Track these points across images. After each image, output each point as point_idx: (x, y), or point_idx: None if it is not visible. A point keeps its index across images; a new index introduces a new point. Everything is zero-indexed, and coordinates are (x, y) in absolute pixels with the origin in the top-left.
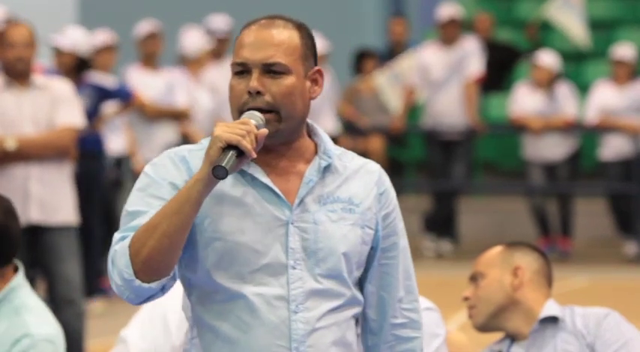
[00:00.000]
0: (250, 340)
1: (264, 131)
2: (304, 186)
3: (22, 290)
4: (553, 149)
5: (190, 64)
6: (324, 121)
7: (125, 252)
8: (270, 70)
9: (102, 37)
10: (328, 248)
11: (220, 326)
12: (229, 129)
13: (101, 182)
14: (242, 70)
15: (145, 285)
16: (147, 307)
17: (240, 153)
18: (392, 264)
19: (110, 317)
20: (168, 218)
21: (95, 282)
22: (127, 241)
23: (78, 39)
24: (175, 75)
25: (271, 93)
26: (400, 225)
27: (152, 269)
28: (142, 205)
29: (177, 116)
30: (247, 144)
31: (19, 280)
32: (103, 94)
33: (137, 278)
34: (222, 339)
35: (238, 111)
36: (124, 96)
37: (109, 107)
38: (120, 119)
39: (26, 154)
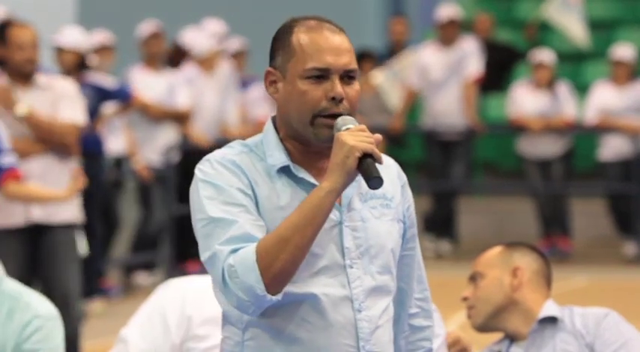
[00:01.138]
0: (317, 340)
1: (380, 137)
2: (350, 187)
3: (4, 278)
4: (548, 147)
5: (202, 62)
6: None
7: (253, 267)
8: (348, 75)
9: (98, 37)
10: (379, 244)
11: (284, 328)
12: (360, 139)
13: (101, 182)
14: (320, 75)
15: (274, 298)
16: (146, 307)
17: (374, 160)
18: (411, 256)
19: (110, 317)
20: (301, 230)
21: (95, 282)
22: (250, 255)
23: (78, 37)
24: (177, 76)
25: (348, 99)
26: (415, 216)
27: (282, 281)
28: (224, 213)
29: (179, 117)
30: (379, 152)
31: (1, 270)
32: (102, 95)
33: (267, 292)
34: (286, 341)
35: (314, 116)
36: (123, 96)
37: (109, 107)
38: (119, 119)
39: (33, 126)
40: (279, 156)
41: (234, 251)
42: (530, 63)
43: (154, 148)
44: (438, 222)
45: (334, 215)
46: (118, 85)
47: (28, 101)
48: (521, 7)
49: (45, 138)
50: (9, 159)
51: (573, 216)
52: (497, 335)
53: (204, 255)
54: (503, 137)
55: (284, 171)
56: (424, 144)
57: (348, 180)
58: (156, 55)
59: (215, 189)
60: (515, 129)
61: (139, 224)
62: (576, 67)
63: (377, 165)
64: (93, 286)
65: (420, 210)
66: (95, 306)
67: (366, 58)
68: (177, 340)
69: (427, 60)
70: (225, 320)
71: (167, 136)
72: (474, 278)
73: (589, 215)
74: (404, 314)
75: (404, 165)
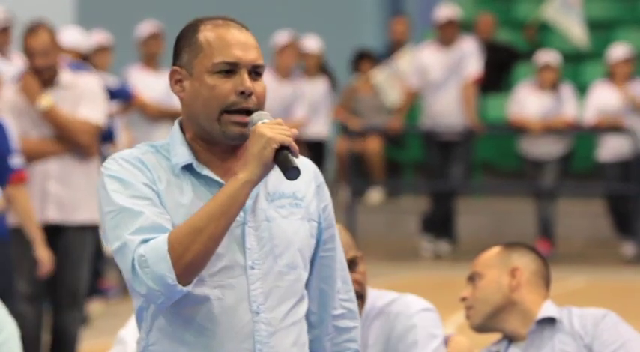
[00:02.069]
0: (214, 344)
1: (295, 131)
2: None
3: None
4: (546, 147)
5: None
6: (317, 125)
7: (164, 256)
8: (256, 71)
9: (97, 37)
10: (284, 244)
11: (183, 331)
12: (277, 131)
13: None
14: (229, 70)
15: (184, 289)
16: None
17: (290, 152)
18: (331, 256)
19: (108, 318)
20: (215, 221)
21: (93, 283)
22: (161, 245)
23: (78, 37)
24: None
25: (256, 95)
26: (334, 218)
27: (193, 272)
28: (131, 204)
29: (177, 117)
30: (295, 145)
31: None
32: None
33: (178, 282)
34: (186, 345)
35: (221, 112)
36: (125, 96)
37: (111, 107)
38: (119, 119)
39: (52, 121)
40: (182, 155)
41: (145, 241)
42: (535, 64)
43: None
44: (436, 223)
45: (238, 215)
46: (119, 85)
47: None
48: (521, 7)
49: (63, 136)
50: (17, 161)
51: (572, 217)
52: (495, 336)
53: (113, 245)
54: (502, 137)
55: (188, 169)
56: (423, 145)
57: (265, 172)
58: (154, 56)
59: (121, 184)
60: (515, 129)
61: None
62: (575, 67)
63: (293, 156)
64: (91, 287)
65: (419, 211)
66: (94, 307)
67: (365, 58)
68: None
69: (426, 60)
70: (137, 321)
71: (166, 135)
72: (472, 279)
73: (587, 215)
74: (327, 316)
75: (403, 166)
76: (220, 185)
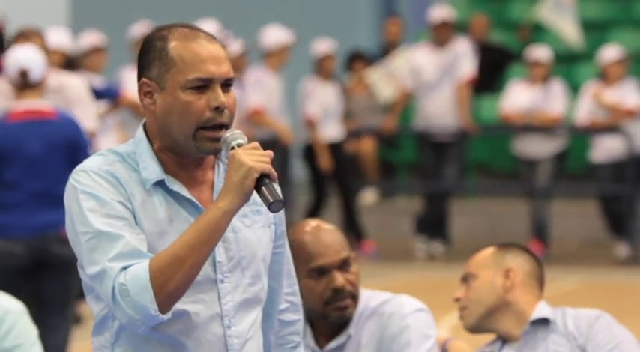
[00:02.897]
0: None
1: (271, 153)
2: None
3: None
4: (538, 147)
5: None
6: (329, 128)
7: (146, 286)
8: (228, 84)
9: (90, 39)
10: (250, 254)
11: (151, 348)
12: (255, 158)
13: None
14: (202, 85)
15: (164, 317)
16: None
17: (270, 179)
18: (281, 253)
19: None
20: (197, 250)
21: None
22: (144, 274)
23: (61, 38)
24: None
25: (229, 108)
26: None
27: (174, 300)
28: (109, 227)
29: None
30: (274, 172)
31: None
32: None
33: (159, 311)
34: None
35: (197, 128)
36: (111, 95)
37: (99, 107)
38: (111, 119)
39: None
40: (153, 170)
41: (125, 268)
42: (526, 60)
43: None
44: (430, 224)
45: None
46: (105, 85)
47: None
48: (515, 8)
49: None
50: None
51: (565, 217)
52: (489, 337)
53: (90, 269)
54: (496, 138)
55: (159, 184)
56: (417, 145)
57: (245, 200)
58: None
59: (97, 202)
60: (508, 129)
61: None
62: (569, 67)
63: (274, 184)
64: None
65: (413, 212)
66: (87, 307)
67: (358, 59)
68: None
69: (420, 61)
70: (97, 329)
71: None
72: (466, 279)
73: (581, 216)
74: (274, 312)
75: (396, 167)
76: (190, 201)
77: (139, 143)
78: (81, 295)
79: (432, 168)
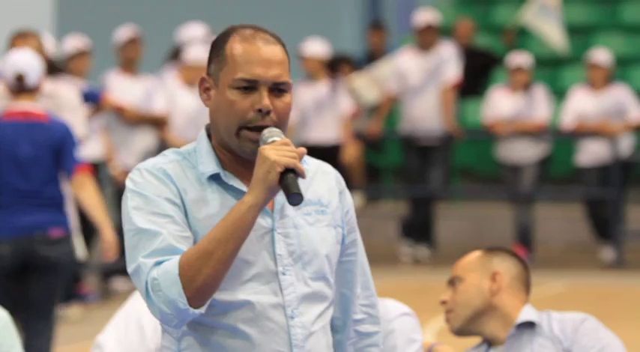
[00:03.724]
0: (251, 348)
1: (304, 150)
2: (282, 194)
3: None
4: (522, 152)
5: (189, 69)
6: (316, 131)
7: (175, 280)
8: (278, 88)
9: (74, 42)
10: (312, 251)
11: (217, 338)
12: (281, 153)
13: None
14: (248, 86)
15: (196, 311)
16: (122, 312)
17: (296, 175)
18: (353, 261)
19: (86, 323)
20: (223, 244)
21: (72, 288)
22: (173, 268)
23: (44, 42)
24: (154, 81)
25: (277, 112)
26: (356, 222)
27: (205, 295)
28: (150, 224)
29: (156, 122)
30: (302, 167)
31: None
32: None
33: (190, 305)
34: (220, 349)
35: (239, 127)
36: (93, 98)
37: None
38: (96, 124)
39: None
40: (209, 164)
41: (158, 263)
42: (508, 67)
43: (131, 153)
44: (415, 228)
45: (266, 222)
46: (87, 88)
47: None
48: (500, 12)
49: None
50: (80, 154)
51: (551, 222)
52: (475, 340)
53: (129, 267)
54: (480, 142)
55: (214, 178)
56: (402, 150)
57: (270, 195)
58: (133, 60)
59: (143, 200)
60: (491, 134)
61: (116, 229)
62: (554, 71)
63: (300, 177)
64: (70, 292)
65: (398, 216)
66: (72, 312)
67: (344, 63)
68: (152, 346)
69: (405, 65)
70: (163, 329)
71: (144, 140)
72: (452, 283)
73: (566, 220)
74: (349, 321)
75: (381, 171)
76: (245, 194)
77: (200, 140)
78: (65, 298)
79: (418, 172)
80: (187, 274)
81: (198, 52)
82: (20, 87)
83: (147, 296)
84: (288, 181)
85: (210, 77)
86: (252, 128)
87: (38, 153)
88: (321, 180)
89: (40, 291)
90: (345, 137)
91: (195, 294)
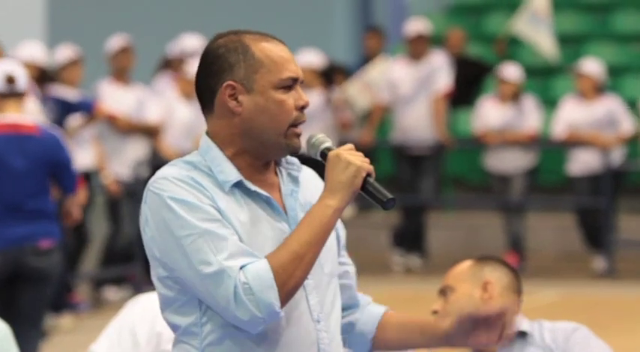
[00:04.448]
0: None
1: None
2: (289, 198)
3: None
4: (511, 162)
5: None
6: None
7: (271, 284)
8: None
9: (66, 52)
10: (324, 254)
11: (246, 347)
12: (361, 159)
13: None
14: (291, 85)
15: (282, 313)
16: (115, 322)
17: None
18: (349, 271)
19: (79, 332)
20: (313, 247)
21: (64, 297)
22: (266, 272)
23: (35, 51)
24: (146, 90)
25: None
26: None
27: (291, 297)
28: (211, 226)
29: (149, 131)
30: (373, 172)
31: None
32: (66, 107)
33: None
34: None
35: (288, 126)
36: (86, 108)
37: (74, 120)
38: (88, 133)
39: None
40: (230, 172)
41: (243, 267)
42: (497, 77)
43: (123, 162)
44: (407, 237)
45: (284, 227)
46: (80, 97)
47: None
48: (491, 21)
49: None
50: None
51: (542, 231)
52: (463, 350)
53: (205, 269)
54: (472, 152)
55: (237, 186)
56: (393, 159)
57: (352, 198)
58: (125, 69)
59: (187, 206)
60: (481, 143)
61: (108, 239)
62: (545, 81)
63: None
64: (62, 301)
65: (390, 225)
66: (64, 321)
67: (336, 72)
68: None
69: (396, 75)
70: (180, 339)
71: (136, 150)
72: (444, 292)
73: (558, 229)
74: (362, 301)
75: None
76: (268, 199)
77: (208, 151)
78: (57, 308)
79: (409, 181)
80: (282, 277)
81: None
82: (10, 90)
83: (236, 301)
84: (375, 188)
85: (238, 83)
86: (297, 124)
87: (31, 166)
88: (314, 185)
89: (29, 301)
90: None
91: (287, 296)
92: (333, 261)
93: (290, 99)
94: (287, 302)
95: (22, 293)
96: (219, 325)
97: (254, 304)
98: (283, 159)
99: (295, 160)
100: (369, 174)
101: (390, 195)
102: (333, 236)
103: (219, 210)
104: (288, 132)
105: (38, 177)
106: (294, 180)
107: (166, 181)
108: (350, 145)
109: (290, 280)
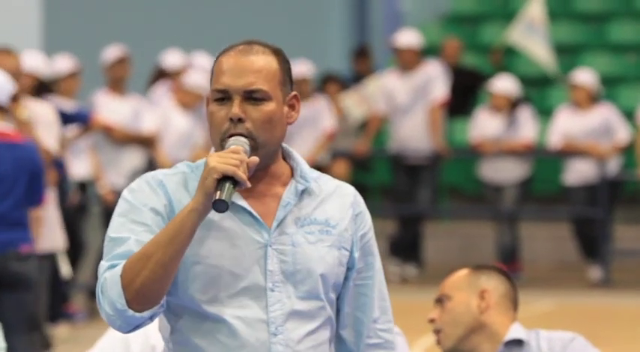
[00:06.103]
0: None
1: (256, 159)
2: (282, 209)
3: None
4: (505, 173)
5: (183, 92)
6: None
7: (117, 281)
8: (252, 96)
9: (63, 63)
10: (306, 270)
11: (200, 346)
12: (223, 160)
13: (64, 206)
14: (222, 97)
15: (138, 315)
16: (110, 334)
17: (236, 183)
18: (367, 285)
19: (74, 343)
20: (162, 248)
21: (60, 307)
22: (118, 270)
23: (35, 62)
24: (142, 101)
25: (252, 120)
26: (375, 246)
27: (145, 298)
28: (124, 231)
29: (144, 142)
30: (242, 175)
31: None
32: (62, 118)
33: (129, 307)
34: None
35: (220, 139)
36: (82, 119)
37: (70, 131)
38: (84, 143)
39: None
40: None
41: (112, 266)
42: (489, 89)
43: (119, 172)
44: (403, 247)
45: (261, 237)
46: (76, 108)
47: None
48: (487, 31)
49: None
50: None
51: (538, 241)
52: None
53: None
54: (468, 162)
55: None
56: (390, 169)
57: (207, 200)
58: (121, 80)
59: (128, 207)
60: (478, 154)
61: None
62: (541, 91)
63: (240, 186)
64: (57, 311)
65: (386, 235)
66: (60, 331)
67: (331, 82)
68: None
69: (392, 85)
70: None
71: (132, 160)
72: (440, 301)
73: (554, 239)
74: (362, 345)
75: (369, 190)
76: (245, 210)
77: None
78: (51, 318)
79: (406, 191)
80: (128, 276)
81: (197, 78)
82: None
83: (98, 298)
84: (219, 188)
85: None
86: (228, 137)
87: (16, 173)
88: (335, 201)
89: (12, 307)
90: (317, 155)
91: (135, 296)
92: (318, 282)
93: (221, 111)
94: (141, 302)
95: (4, 300)
96: (174, 324)
97: (106, 301)
98: (296, 173)
99: (310, 175)
100: (229, 177)
101: (224, 198)
102: (334, 256)
103: (166, 215)
104: (222, 143)
105: (23, 185)
106: (297, 193)
107: (139, 180)
108: (235, 148)
109: (136, 279)
